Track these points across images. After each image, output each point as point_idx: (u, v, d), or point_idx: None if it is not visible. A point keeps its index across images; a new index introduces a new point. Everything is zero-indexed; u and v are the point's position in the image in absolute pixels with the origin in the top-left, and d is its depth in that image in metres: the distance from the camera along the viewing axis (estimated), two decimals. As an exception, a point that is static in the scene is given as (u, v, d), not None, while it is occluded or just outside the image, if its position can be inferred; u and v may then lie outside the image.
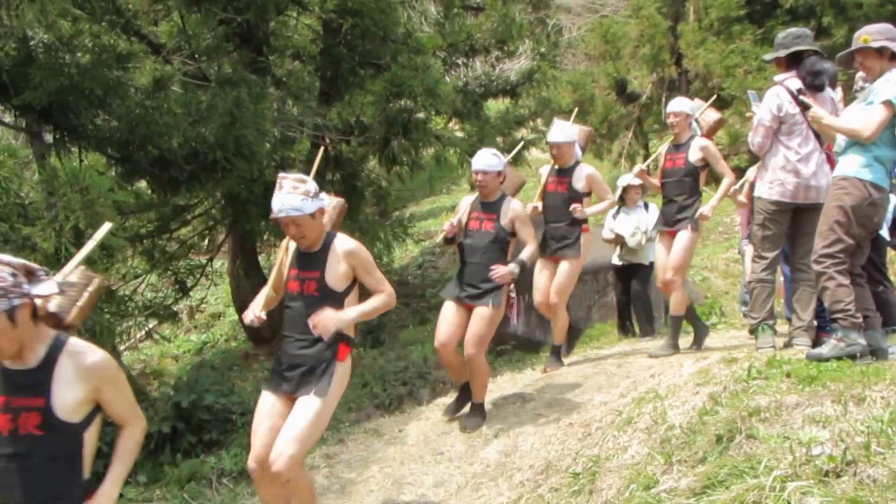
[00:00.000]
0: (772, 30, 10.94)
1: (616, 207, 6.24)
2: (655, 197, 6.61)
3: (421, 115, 6.48)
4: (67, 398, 2.11)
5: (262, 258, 9.05)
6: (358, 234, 7.74)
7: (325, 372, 3.03)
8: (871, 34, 3.37)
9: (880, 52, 3.35)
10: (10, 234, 3.95)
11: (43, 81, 4.64)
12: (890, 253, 4.81)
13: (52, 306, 2.19)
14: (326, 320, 2.93)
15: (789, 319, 4.14)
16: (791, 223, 3.98)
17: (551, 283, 4.97)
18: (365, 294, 3.17)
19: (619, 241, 6.27)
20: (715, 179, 5.73)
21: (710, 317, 6.99)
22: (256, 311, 3.09)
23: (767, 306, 4.06)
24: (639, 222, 6.18)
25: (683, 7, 12.77)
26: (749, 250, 4.96)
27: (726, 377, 3.29)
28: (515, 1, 10.11)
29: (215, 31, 6.18)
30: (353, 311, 3.05)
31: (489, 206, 4.25)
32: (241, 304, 6.98)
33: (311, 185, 2.99)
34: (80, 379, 2.13)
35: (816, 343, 3.78)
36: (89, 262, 4.00)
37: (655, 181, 5.18)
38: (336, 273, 3.05)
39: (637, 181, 6.05)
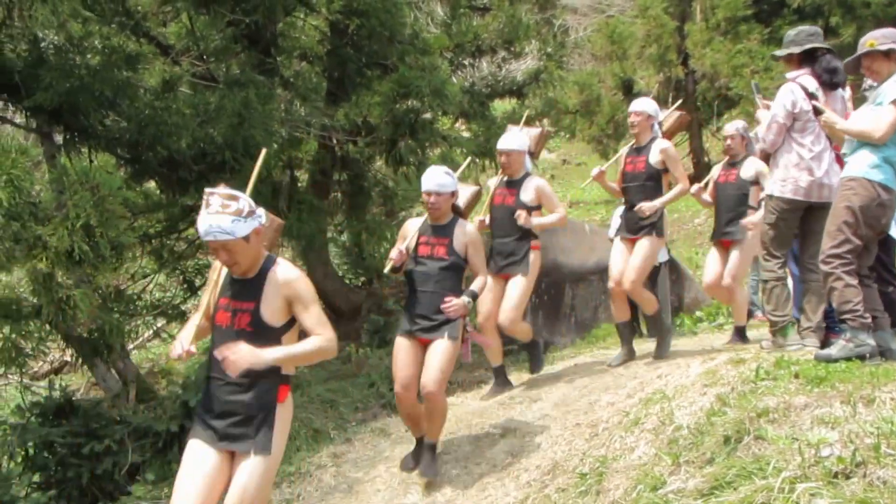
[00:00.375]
0: (779, 29, 10.91)
1: (623, 206, 6.21)
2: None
3: (428, 115, 6.48)
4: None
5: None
6: (365, 234, 7.76)
7: (263, 422, 2.61)
8: (876, 38, 3.41)
9: (887, 54, 3.40)
10: (21, 232, 3.97)
11: (53, 82, 4.67)
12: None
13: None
14: (240, 357, 2.50)
15: (797, 320, 4.13)
16: (801, 222, 3.97)
17: (497, 305, 4.57)
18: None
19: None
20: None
21: (717, 317, 6.96)
22: (185, 344, 2.60)
23: (790, 304, 4.05)
24: (645, 222, 6.15)
25: (690, 7, 12.75)
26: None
27: (734, 378, 3.29)
28: (522, 1, 10.10)
29: (224, 33, 6.20)
30: (275, 352, 2.59)
31: (440, 230, 3.82)
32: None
33: (244, 203, 2.56)
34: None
35: (825, 344, 3.77)
36: (101, 259, 4.05)
37: (615, 185, 5.02)
38: (273, 305, 2.64)
39: None
